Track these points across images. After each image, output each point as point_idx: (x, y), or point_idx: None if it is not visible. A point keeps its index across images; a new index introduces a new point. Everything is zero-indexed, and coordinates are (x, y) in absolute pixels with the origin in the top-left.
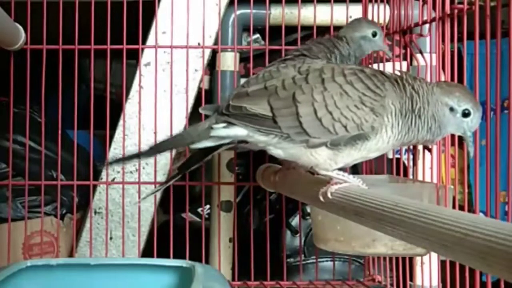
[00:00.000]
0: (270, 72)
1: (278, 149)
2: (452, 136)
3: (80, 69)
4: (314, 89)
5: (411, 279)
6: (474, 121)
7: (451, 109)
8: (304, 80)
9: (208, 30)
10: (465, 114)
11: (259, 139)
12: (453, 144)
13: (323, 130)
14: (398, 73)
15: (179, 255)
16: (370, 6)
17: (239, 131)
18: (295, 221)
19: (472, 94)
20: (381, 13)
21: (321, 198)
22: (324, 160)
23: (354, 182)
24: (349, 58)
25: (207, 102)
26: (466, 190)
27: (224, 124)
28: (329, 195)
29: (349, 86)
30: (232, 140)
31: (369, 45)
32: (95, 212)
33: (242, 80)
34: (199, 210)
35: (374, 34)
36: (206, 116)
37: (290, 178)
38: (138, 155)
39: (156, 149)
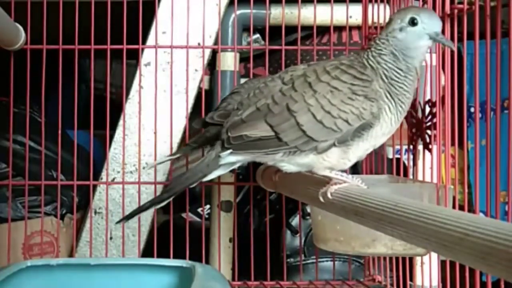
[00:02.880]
0: (259, 89)
1: (290, 164)
2: (452, 136)
3: (80, 69)
4: (304, 95)
5: (411, 279)
6: (428, 22)
7: (401, 29)
8: (292, 89)
9: (208, 30)
10: (413, 23)
11: (267, 158)
12: (453, 144)
13: (327, 131)
14: (353, 55)
15: (179, 255)
16: (370, 6)
17: (247, 156)
18: (295, 221)
19: (408, 8)
20: (381, 13)
21: (321, 199)
22: (337, 160)
23: (353, 182)
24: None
25: (207, 102)
26: (466, 190)
27: (231, 151)
28: (329, 195)
29: (336, 81)
30: (243, 163)
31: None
32: (95, 212)
33: (243, 81)
34: (199, 210)
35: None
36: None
37: (290, 178)
38: (153, 204)
39: (171, 192)
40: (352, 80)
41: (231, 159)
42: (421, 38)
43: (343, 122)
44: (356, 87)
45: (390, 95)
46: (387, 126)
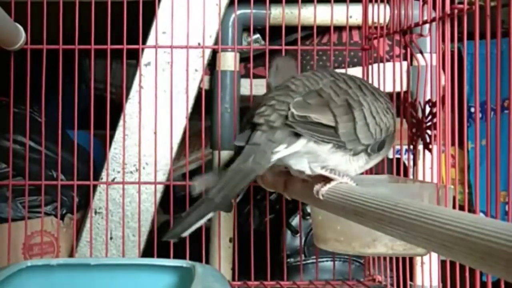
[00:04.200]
0: (309, 81)
1: (318, 165)
2: (452, 136)
3: (80, 69)
4: (358, 95)
5: (411, 279)
6: None
7: None
8: (347, 85)
9: (208, 30)
10: None
11: (319, 149)
12: (453, 144)
13: (369, 135)
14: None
15: (179, 255)
16: (370, 6)
17: (297, 148)
18: (295, 221)
19: None
20: (381, 13)
21: (315, 194)
22: (356, 166)
23: (343, 180)
24: None
25: (207, 102)
26: (466, 190)
27: (285, 145)
28: (320, 196)
29: (376, 93)
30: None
31: None
32: (95, 212)
33: (243, 80)
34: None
35: None
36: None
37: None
38: (205, 214)
39: (229, 195)
40: (386, 97)
41: (284, 153)
42: None
43: (380, 131)
44: (389, 104)
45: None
46: (392, 145)
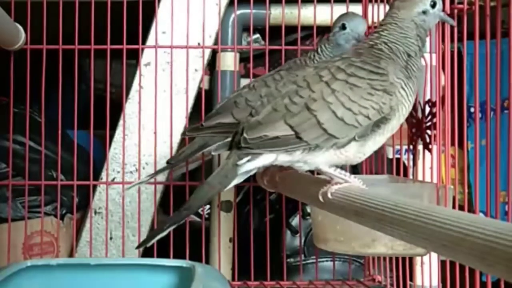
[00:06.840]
0: (270, 91)
1: (306, 164)
2: (452, 136)
3: (80, 69)
4: (323, 93)
5: (411, 279)
6: (440, 4)
7: (424, 13)
8: (308, 89)
9: (208, 30)
10: (433, 5)
11: (285, 159)
12: (453, 144)
13: (348, 128)
14: (368, 42)
15: (179, 255)
16: (370, 6)
17: (265, 160)
18: (295, 221)
19: None
20: (381, 13)
21: (321, 198)
22: (354, 154)
23: (355, 182)
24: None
25: (207, 102)
26: (466, 190)
27: (249, 157)
28: (329, 195)
29: (354, 77)
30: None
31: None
32: (95, 212)
33: (242, 80)
34: (199, 210)
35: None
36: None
37: (290, 178)
38: (174, 223)
39: (191, 210)
40: (370, 75)
41: (249, 166)
42: (436, 20)
43: (364, 118)
44: (375, 82)
45: (406, 81)
46: (403, 117)
